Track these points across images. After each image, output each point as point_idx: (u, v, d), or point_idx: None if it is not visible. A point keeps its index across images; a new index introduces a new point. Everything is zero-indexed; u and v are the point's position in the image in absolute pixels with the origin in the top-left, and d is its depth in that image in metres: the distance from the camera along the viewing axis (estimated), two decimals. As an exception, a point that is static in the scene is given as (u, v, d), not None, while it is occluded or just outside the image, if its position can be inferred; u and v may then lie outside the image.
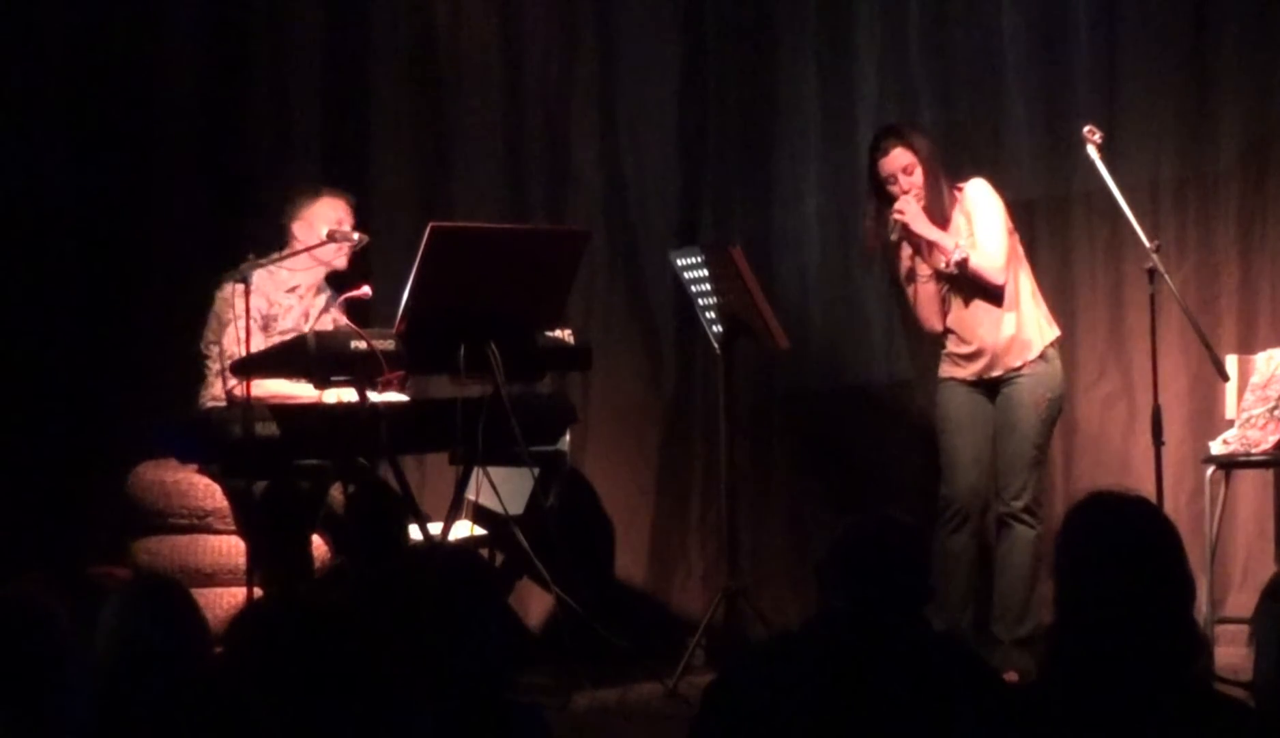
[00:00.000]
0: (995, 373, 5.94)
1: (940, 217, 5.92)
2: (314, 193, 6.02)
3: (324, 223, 5.93)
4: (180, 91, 6.96)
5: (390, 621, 2.96)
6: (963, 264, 5.86)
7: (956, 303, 5.98)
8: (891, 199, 5.92)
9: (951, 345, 6.03)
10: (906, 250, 6.00)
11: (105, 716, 2.97)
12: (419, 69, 7.04)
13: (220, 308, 5.90)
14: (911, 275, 6.02)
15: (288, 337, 5.84)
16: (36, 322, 6.75)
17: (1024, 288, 5.97)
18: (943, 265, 5.92)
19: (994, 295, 5.91)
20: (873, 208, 5.99)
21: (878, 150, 5.96)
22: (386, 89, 7.03)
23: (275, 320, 5.93)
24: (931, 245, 5.92)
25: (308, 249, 5.92)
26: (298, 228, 5.98)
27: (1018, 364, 5.91)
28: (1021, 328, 5.92)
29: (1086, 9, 6.74)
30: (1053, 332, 5.99)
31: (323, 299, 6.05)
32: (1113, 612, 2.73)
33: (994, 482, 5.99)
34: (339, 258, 5.99)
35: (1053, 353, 5.96)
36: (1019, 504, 5.91)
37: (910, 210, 5.87)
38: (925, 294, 6.01)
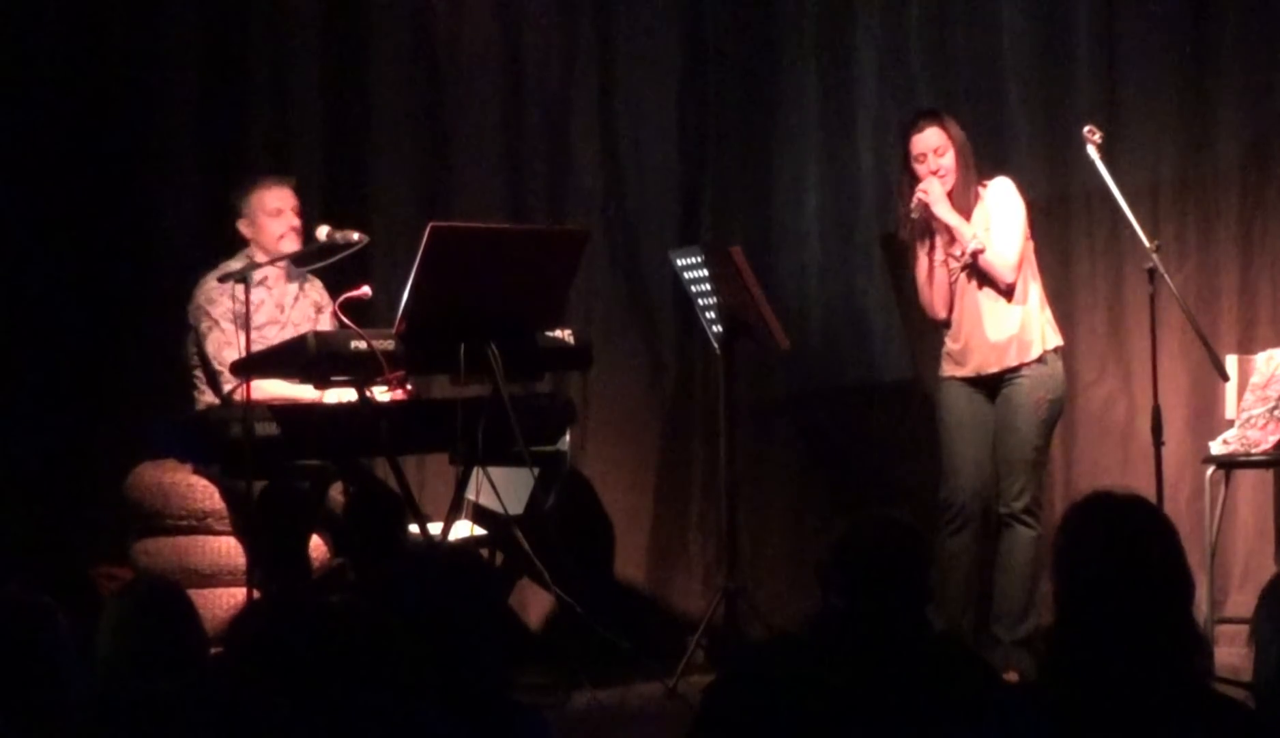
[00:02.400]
0: (992, 370, 5.95)
1: (963, 209, 5.96)
2: (251, 183, 6.08)
3: (264, 211, 6.00)
4: (180, 91, 6.95)
5: (390, 621, 2.96)
6: (977, 254, 5.88)
7: (966, 294, 5.98)
8: (918, 181, 5.95)
9: (948, 341, 6.05)
10: (924, 231, 6.01)
11: (103, 718, 2.97)
12: (419, 69, 7.04)
13: (194, 319, 5.93)
14: (926, 256, 6.02)
15: (265, 332, 5.87)
16: (36, 322, 6.74)
17: (1033, 292, 5.99)
18: (958, 253, 5.94)
19: (1003, 292, 5.93)
20: (906, 187, 6.01)
21: (913, 127, 6.03)
22: (386, 89, 7.03)
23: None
24: (950, 231, 5.94)
25: (295, 255, 5.95)
26: (244, 225, 6.04)
27: (1015, 364, 5.92)
28: (1024, 328, 5.94)
29: (1086, 9, 6.74)
30: (1056, 339, 6.01)
31: (294, 287, 6.07)
32: (1112, 612, 2.73)
33: (994, 483, 6.00)
34: (287, 242, 6.00)
35: (1053, 358, 5.97)
36: (1019, 505, 5.92)
37: (934, 192, 5.91)
38: (936, 278, 6.02)
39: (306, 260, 6.02)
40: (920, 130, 6.00)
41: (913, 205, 5.95)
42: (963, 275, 5.99)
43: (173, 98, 6.95)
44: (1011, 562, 5.95)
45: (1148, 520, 2.84)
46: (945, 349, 6.07)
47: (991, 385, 5.99)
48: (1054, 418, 6.02)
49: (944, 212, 5.93)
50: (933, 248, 6.02)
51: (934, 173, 5.95)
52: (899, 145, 6.11)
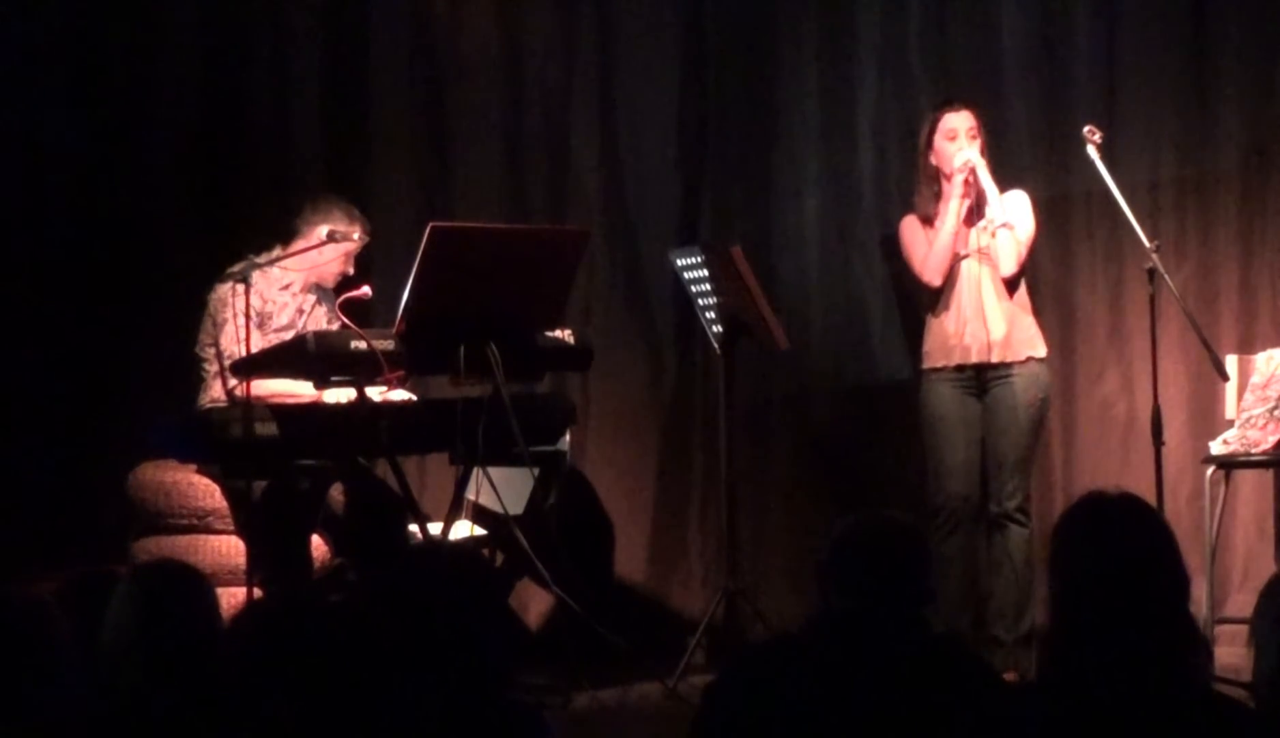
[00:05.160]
0: (986, 359, 5.94)
1: (976, 207, 6.00)
2: (352, 214, 6.02)
3: (345, 249, 5.97)
4: (180, 92, 6.96)
5: (390, 621, 2.96)
6: (1005, 226, 5.93)
7: (967, 281, 5.98)
8: (941, 161, 6.01)
9: (936, 328, 6.04)
10: (945, 197, 6.02)
11: (102, 717, 2.96)
12: (419, 69, 7.04)
13: (215, 309, 5.91)
14: (936, 219, 6.03)
15: (284, 334, 5.88)
16: (36, 322, 6.74)
17: (1028, 302, 6.03)
18: (982, 224, 5.97)
19: (1004, 287, 5.95)
20: (925, 169, 6.05)
21: (948, 106, 6.07)
22: (386, 89, 7.03)
23: (270, 318, 5.95)
24: (980, 199, 5.96)
25: (307, 249, 5.94)
26: (308, 231, 5.98)
27: (1009, 360, 5.94)
28: (1020, 328, 5.98)
29: (1086, 9, 6.74)
30: (1042, 348, 6.02)
31: (313, 297, 6.08)
32: (1107, 611, 2.72)
33: (983, 483, 6.00)
34: (330, 274, 6.01)
35: (1038, 363, 5.99)
36: (1012, 504, 5.93)
37: (978, 158, 5.95)
38: (943, 246, 6.01)
39: (306, 258, 6.02)
40: (957, 109, 6.04)
41: (959, 165, 5.95)
42: (965, 263, 5.99)
43: (173, 98, 6.95)
44: (1006, 562, 5.96)
45: (1141, 519, 2.84)
46: (930, 339, 6.07)
47: (979, 384, 5.99)
48: (1043, 417, 6.05)
49: (984, 176, 5.95)
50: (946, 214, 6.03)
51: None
52: (925, 124, 6.11)
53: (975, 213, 6.02)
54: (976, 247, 6.00)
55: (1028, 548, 5.93)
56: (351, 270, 6.06)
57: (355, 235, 5.97)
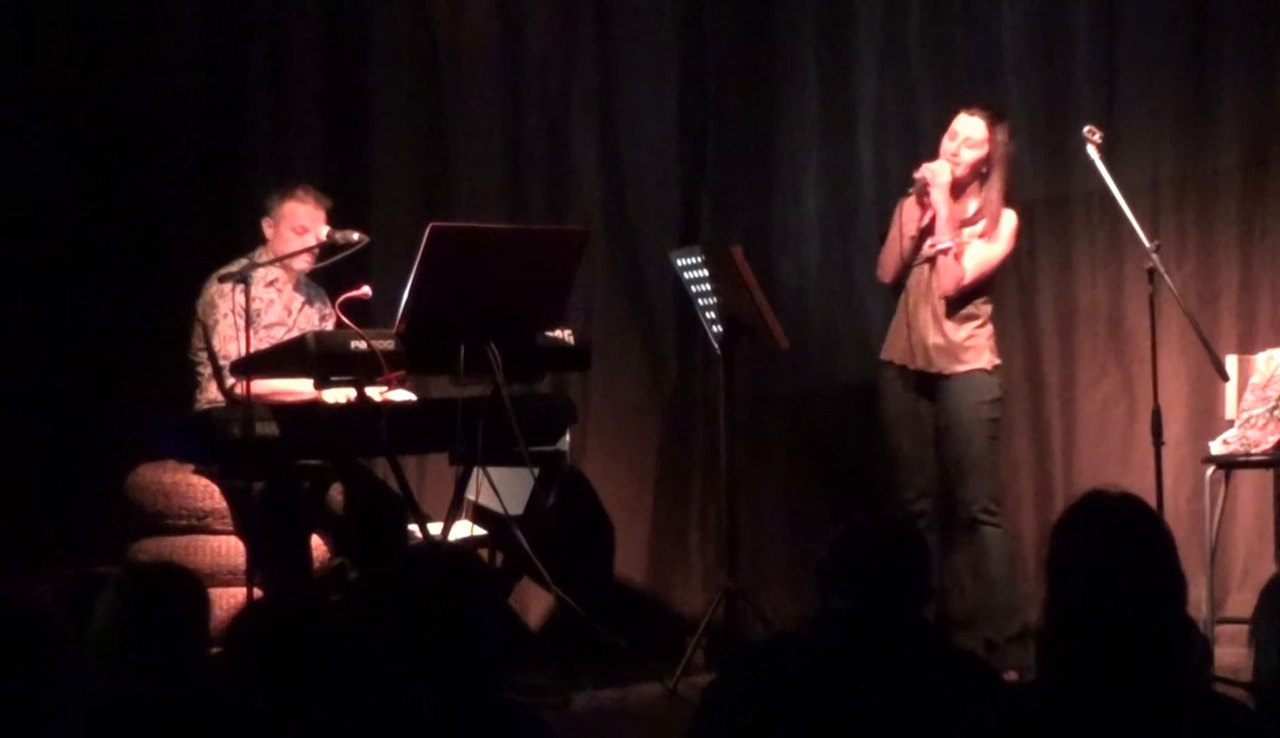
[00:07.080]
0: (920, 367, 5.92)
1: (965, 209, 5.95)
2: (285, 193, 6.05)
3: (291, 224, 5.98)
4: (180, 91, 6.95)
5: (390, 621, 2.96)
6: (943, 251, 5.86)
7: (924, 286, 5.96)
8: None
9: (894, 320, 6.02)
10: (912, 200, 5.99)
11: (100, 717, 2.96)
12: (419, 69, 7.04)
13: (204, 312, 5.93)
14: (902, 225, 6.01)
15: (273, 331, 5.89)
16: (36, 322, 6.74)
17: (982, 312, 5.95)
18: (928, 243, 5.93)
19: (950, 302, 5.91)
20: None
21: (965, 107, 5.98)
22: (386, 89, 7.03)
23: (259, 315, 5.95)
24: (933, 219, 5.91)
25: (295, 254, 5.95)
26: (268, 224, 6.04)
27: (946, 371, 5.91)
28: (954, 341, 5.91)
29: (1086, 9, 6.75)
30: (988, 361, 5.94)
31: (301, 296, 6.09)
32: (1106, 611, 2.72)
33: (938, 481, 5.99)
34: (300, 261, 6.02)
35: (984, 374, 5.91)
36: (977, 507, 5.92)
37: (940, 178, 5.88)
38: (897, 245, 5.99)
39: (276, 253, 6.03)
40: (970, 112, 5.96)
41: (913, 182, 5.93)
42: (918, 269, 5.97)
43: (173, 97, 6.95)
44: (986, 564, 5.95)
45: (1139, 519, 2.84)
46: (890, 331, 6.06)
47: (924, 386, 5.97)
48: (994, 421, 5.96)
49: (939, 198, 5.90)
50: (907, 217, 6.01)
51: (953, 156, 5.93)
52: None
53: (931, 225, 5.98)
54: (925, 257, 5.97)
55: (1005, 548, 5.93)
56: (314, 241, 5.98)
57: (320, 218, 5.98)
